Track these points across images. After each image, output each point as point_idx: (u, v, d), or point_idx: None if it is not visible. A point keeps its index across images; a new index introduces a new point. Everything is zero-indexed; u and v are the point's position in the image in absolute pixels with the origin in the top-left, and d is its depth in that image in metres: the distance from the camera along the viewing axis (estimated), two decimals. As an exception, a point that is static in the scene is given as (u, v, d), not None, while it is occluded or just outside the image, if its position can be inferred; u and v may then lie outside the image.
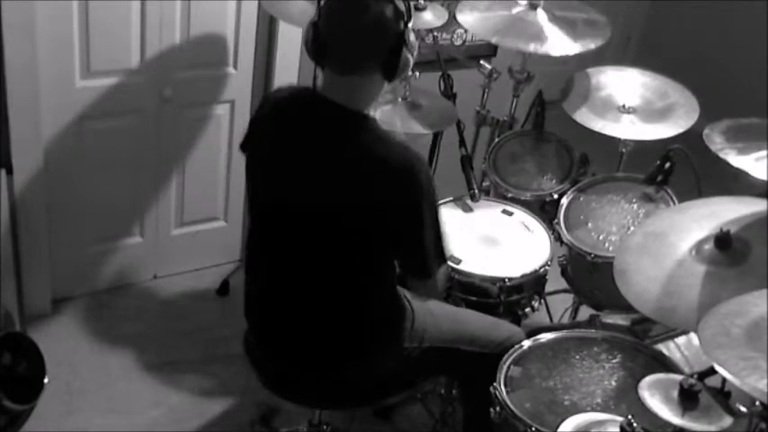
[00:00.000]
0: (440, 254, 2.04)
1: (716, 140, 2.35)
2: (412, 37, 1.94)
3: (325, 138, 1.97)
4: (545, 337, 2.21)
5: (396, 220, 1.95)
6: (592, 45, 2.84)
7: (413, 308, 2.20)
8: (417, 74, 2.74)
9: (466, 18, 2.92)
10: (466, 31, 3.45)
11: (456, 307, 2.42)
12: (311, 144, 1.98)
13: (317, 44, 1.93)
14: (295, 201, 2.00)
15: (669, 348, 2.25)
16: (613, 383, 2.07)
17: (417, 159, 1.95)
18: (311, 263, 2.05)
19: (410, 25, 1.92)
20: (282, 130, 2.03)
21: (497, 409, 2.01)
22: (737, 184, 2.20)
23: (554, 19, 2.89)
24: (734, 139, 2.35)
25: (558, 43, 2.83)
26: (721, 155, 2.29)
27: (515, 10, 2.93)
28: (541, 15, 2.90)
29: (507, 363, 2.11)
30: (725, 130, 2.39)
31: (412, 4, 1.96)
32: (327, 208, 1.96)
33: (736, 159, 2.26)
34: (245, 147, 2.18)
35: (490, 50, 3.53)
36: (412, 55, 1.95)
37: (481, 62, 3.05)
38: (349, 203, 1.94)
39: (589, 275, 2.62)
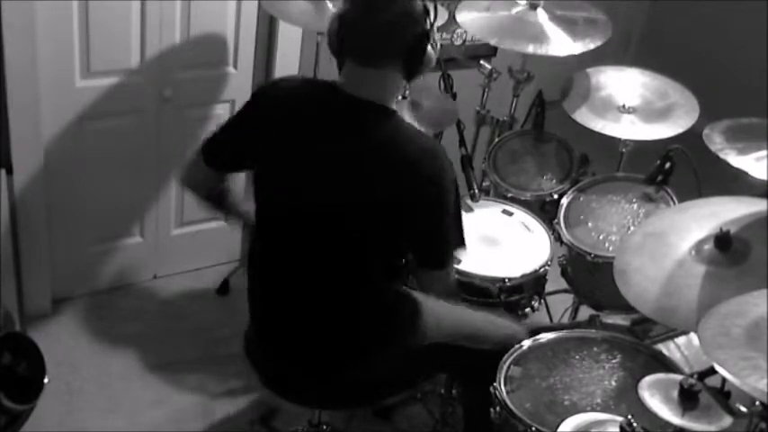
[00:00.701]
0: (460, 240, 2.06)
1: (716, 140, 2.36)
2: (436, 35, 1.94)
3: (345, 131, 1.95)
4: (545, 337, 2.21)
5: (418, 209, 1.94)
6: (591, 45, 2.85)
7: (421, 305, 2.20)
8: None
9: (465, 19, 2.93)
10: (466, 30, 3.45)
11: (457, 305, 2.42)
12: (330, 138, 1.96)
13: (341, 35, 1.93)
14: (309, 196, 1.98)
15: (669, 348, 2.25)
16: (613, 383, 2.07)
17: (437, 148, 1.96)
18: (316, 261, 2.04)
19: (436, 24, 1.92)
20: (299, 123, 2.00)
21: (497, 409, 2.01)
22: (737, 184, 2.20)
23: (554, 18, 2.90)
24: (734, 139, 2.36)
25: (559, 44, 2.83)
26: (721, 155, 2.29)
27: (515, 10, 2.93)
28: (542, 15, 2.90)
29: (507, 363, 2.11)
30: (725, 130, 2.40)
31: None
32: (344, 202, 1.95)
33: (736, 159, 2.27)
34: (215, 153, 2.15)
35: (490, 50, 3.53)
36: (436, 52, 1.95)
37: (481, 62, 3.05)
38: (368, 196, 1.93)
39: (589, 275, 2.62)
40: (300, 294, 2.10)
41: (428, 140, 1.98)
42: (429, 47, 1.92)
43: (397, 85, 1.98)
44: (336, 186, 1.95)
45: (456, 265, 2.43)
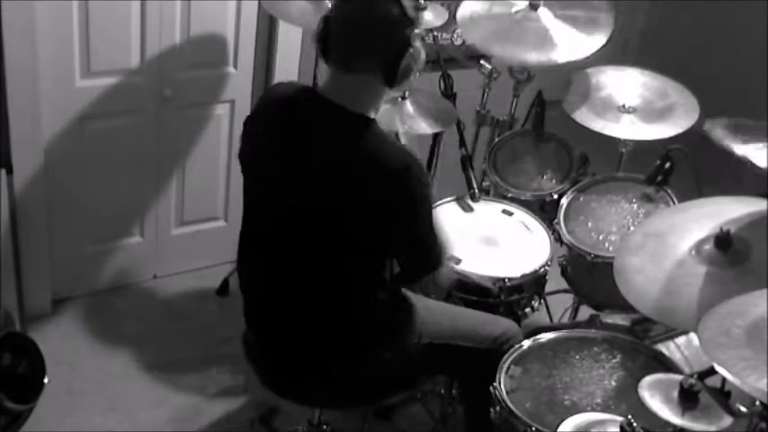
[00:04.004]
0: (436, 256, 2.07)
1: (717, 133, 2.36)
2: (417, 44, 1.94)
3: (323, 138, 1.97)
4: (545, 337, 2.21)
5: (390, 219, 1.95)
6: (594, 47, 2.84)
7: (416, 306, 2.21)
8: (417, 74, 2.74)
9: (464, 21, 2.92)
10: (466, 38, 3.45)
11: (452, 304, 2.42)
12: (309, 144, 1.98)
13: (323, 37, 1.95)
14: (292, 201, 2.00)
15: (669, 348, 2.25)
16: (613, 383, 2.07)
17: (413, 162, 1.96)
18: (310, 262, 2.05)
19: (417, 32, 1.93)
20: (281, 129, 2.03)
21: (497, 409, 2.01)
22: (738, 183, 2.20)
23: (557, 17, 2.89)
24: (735, 132, 2.36)
25: (562, 49, 2.82)
26: (723, 145, 2.29)
27: (515, 9, 2.92)
28: (543, 15, 2.89)
29: (507, 363, 2.11)
30: (726, 126, 2.40)
31: (419, 12, 1.97)
32: (324, 208, 1.96)
33: (739, 148, 2.27)
34: (242, 153, 2.18)
35: (490, 50, 3.53)
36: (416, 63, 1.95)
37: (481, 62, 3.05)
38: (345, 204, 1.95)
39: (589, 275, 2.62)
40: (297, 294, 2.10)
41: (401, 153, 1.97)
42: (408, 55, 1.92)
43: (376, 94, 1.99)
44: (315, 191, 1.97)
45: (456, 265, 2.44)
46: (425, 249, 2.06)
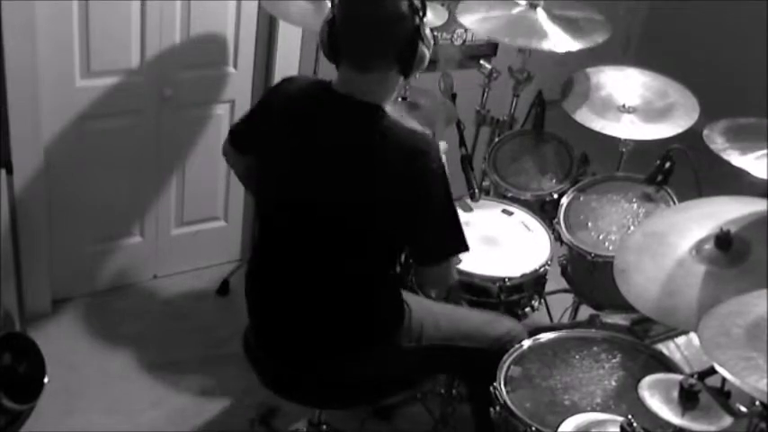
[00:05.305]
0: (454, 237, 2.04)
1: (716, 140, 2.36)
2: (427, 31, 1.94)
3: (337, 130, 1.97)
4: (545, 336, 2.21)
5: (400, 207, 1.95)
6: (593, 42, 2.84)
7: (410, 306, 2.20)
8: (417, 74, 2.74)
9: (466, 19, 2.93)
10: (466, 30, 3.45)
11: (454, 305, 2.42)
12: (323, 137, 1.98)
13: (332, 42, 1.94)
14: (305, 195, 2.00)
15: (669, 348, 2.25)
16: (613, 383, 2.07)
17: (427, 145, 1.95)
18: (314, 260, 2.05)
19: (425, 20, 1.92)
20: (295, 123, 2.02)
21: (497, 408, 2.01)
22: (738, 183, 2.20)
23: (554, 18, 2.90)
24: (734, 138, 2.36)
25: (560, 41, 2.83)
26: (723, 155, 2.29)
27: (515, 10, 2.93)
28: (541, 15, 2.90)
29: (507, 362, 2.11)
30: (724, 131, 2.40)
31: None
32: (337, 200, 1.96)
33: (738, 159, 2.27)
34: (239, 137, 2.18)
35: (490, 50, 3.53)
36: (428, 49, 1.95)
37: (481, 62, 3.05)
38: (359, 194, 1.94)
39: (589, 275, 2.62)
40: (301, 292, 2.10)
41: (417, 139, 1.96)
42: (421, 44, 1.92)
43: (391, 86, 1.99)
44: (320, 182, 1.97)
45: (456, 265, 2.44)
46: (430, 241, 2.04)
